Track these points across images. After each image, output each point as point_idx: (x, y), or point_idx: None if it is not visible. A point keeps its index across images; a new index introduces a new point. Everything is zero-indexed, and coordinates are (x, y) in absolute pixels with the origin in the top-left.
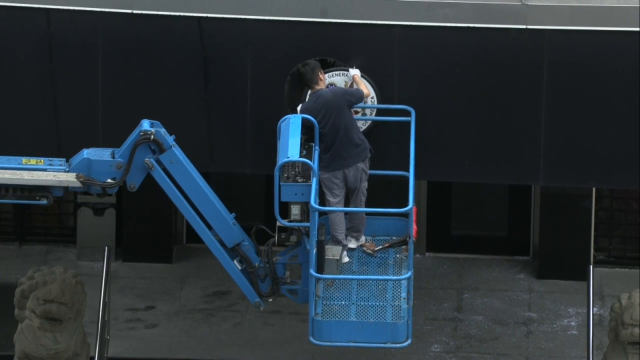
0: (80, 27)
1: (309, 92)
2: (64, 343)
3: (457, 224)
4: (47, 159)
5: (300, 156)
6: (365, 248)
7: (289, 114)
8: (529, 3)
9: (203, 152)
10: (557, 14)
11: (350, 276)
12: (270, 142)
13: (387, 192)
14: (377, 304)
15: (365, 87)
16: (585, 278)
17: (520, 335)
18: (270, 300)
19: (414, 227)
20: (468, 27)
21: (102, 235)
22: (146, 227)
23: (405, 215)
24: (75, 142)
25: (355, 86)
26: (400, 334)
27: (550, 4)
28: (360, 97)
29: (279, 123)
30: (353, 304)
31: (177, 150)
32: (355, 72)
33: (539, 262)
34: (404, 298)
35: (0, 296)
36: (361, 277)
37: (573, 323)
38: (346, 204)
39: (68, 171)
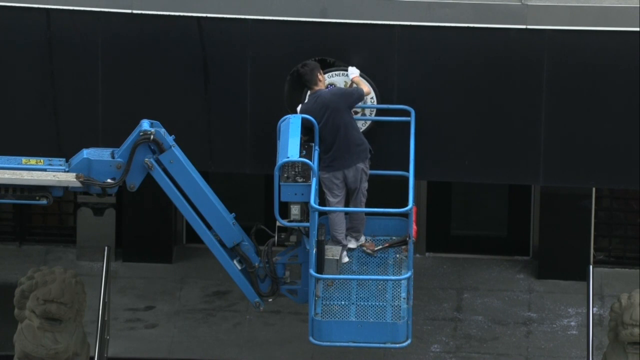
0: (80, 27)
1: (309, 92)
2: (64, 343)
3: (457, 224)
4: (47, 159)
5: (300, 156)
6: (365, 248)
7: (289, 114)
8: (529, 3)
9: (203, 152)
10: (557, 14)
11: (350, 276)
12: (270, 142)
13: (387, 192)
14: (377, 304)
15: (366, 85)
16: (585, 278)
17: (520, 335)
18: (270, 300)
19: (414, 227)
20: (468, 27)
21: (102, 235)
22: (146, 227)
23: (405, 215)
24: (75, 142)
25: (354, 86)
26: (400, 334)
27: (550, 4)
28: (360, 96)
29: (279, 123)
30: (353, 304)
31: (177, 150)
32: (354, 72)
33: (539, 262)
34: (404, 298)
35: (0, 296)
36: (361, 277)
37: (573, 323)
38: (346, 204)
39: (68, 171)
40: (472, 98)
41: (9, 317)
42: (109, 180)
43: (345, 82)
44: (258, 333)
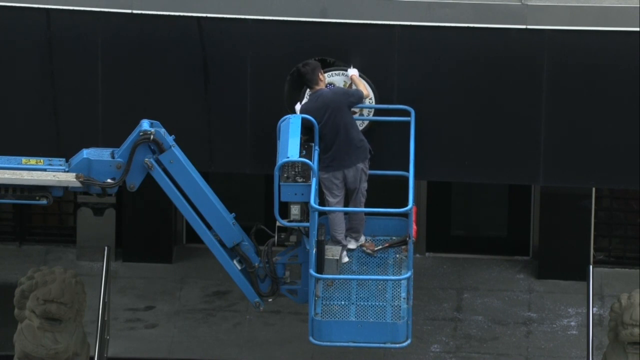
0: (80, 27)
1: (308, 91)
2: (64, 343)
3: (457, 224)
4: (47, 159)
5: (300, 156)
6: (365, 248)
7: (289, 114)
8: (529, 3)
9: (203, 152)
10: (557, 14)
11: (350, 276)
12: (270, 142)
13: (387, 192)
14: (377, 304)
15: (365, 88)
16: (585, 278)
17: (520, 335)
18: (270, 300)
19: (414, 227)
20: (468, 27)
21: (102, 235)
22: (146, 227)
23: (405, 215)
24: (75, 142)
25: (354, 87)
26: (400, 334)
27: (550, 4)
28: (360, 97)
29: (279, 123)
30: (353, 304)
31: (177, 150)
32: (353, 72)
33: (539, 262)
34: (404, 298)
35: (0, 296)
36: (361, 277)
37: (573, 323)
38: (346, 204)
39: (68, 171)
40: (472, 98)
41: (9, 317)
42: (109, 180)
43: (344, 82)
44: (258, 333)
